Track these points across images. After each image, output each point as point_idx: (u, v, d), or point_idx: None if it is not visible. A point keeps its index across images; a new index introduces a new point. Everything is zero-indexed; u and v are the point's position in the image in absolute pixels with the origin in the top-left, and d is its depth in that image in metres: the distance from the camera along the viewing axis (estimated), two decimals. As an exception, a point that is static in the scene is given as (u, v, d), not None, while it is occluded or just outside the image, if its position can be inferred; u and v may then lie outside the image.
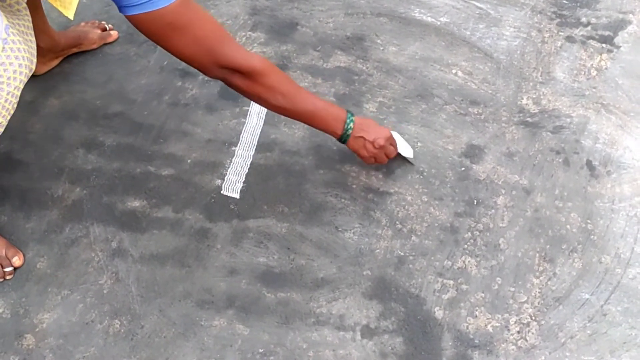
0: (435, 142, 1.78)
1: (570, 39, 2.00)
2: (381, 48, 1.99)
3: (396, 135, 1.70)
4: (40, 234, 1.65)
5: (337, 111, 1.55)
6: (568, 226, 1.63)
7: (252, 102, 1.86)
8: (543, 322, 1.49)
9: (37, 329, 1.51)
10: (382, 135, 1.60)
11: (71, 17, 1.67)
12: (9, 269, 1.57)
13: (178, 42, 1.34)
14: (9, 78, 1.32)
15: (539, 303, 1.52)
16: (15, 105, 1.38)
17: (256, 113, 1.85)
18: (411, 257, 1.59)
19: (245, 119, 1.84)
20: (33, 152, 1.79)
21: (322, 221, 1.65)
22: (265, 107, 1.52)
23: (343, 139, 1.57)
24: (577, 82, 1.90)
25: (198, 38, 1.34)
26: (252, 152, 1.78)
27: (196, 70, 1.93)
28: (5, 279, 1.57)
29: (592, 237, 1.61)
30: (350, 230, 1.63)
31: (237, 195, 1.69)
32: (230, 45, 1.39)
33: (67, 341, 1.49)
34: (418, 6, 2.09)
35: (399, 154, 1.70)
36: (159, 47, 1.99)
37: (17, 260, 1.58)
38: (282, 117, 1.82)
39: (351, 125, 1.55)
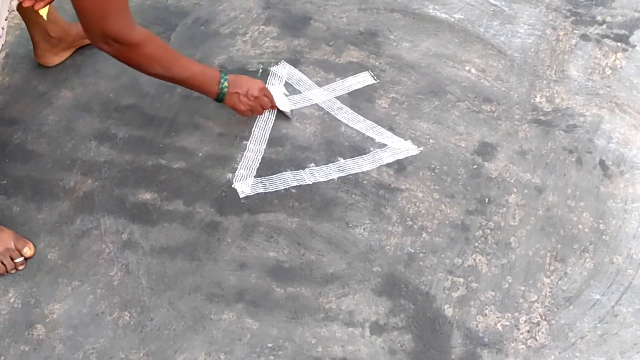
0: (448, 139, 1.77)
1: (585, 37, 1.99)
2: (394, 44, 1.99)
3: (275, 90, 1.82)
4: (52, 225, 1.65)
5: (212, 73, 1.66)
6: (580, 226, 1.62)
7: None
8: (553, 321, 1.48)
9: (48, 320, 1.51)
10: (255, 86, 1.70)
11: (44, 15, 1.68)
12: (20, 259, 1.58)
13: None
14: None
15: (549, 302, 1.51)
16: None
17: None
18: (421, 254, 1.59)
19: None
20: (46, 143, 1.79)
21: (332, 217, 1.65)
22: (145, 73, 1.61)
23: (219, 98, 1.67)
24: (591, 81, 1.89)
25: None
26: (264, 147, 1.77)
27: (209, 64, 1.95)
28: (17, 270, 1.58)
29: (604, 237, 1.60)
30: (361, 226, 1.63)
31: (248, 190, 1.69)
32: (123, 18, 1.47)
33: (77, 332, 1.50)
34: (432, 2, 2.08)
35: (278, 109, 1.81)
36: (171, 40, 2.01)
37: (27, 251, 1.59)
38: (294, 112, 1.83)
39: (225, 84, 1.66)
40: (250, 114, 1.74)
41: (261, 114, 1.77)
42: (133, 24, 1.49)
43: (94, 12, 1.42)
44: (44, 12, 1.67)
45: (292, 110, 1.82)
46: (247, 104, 1.70)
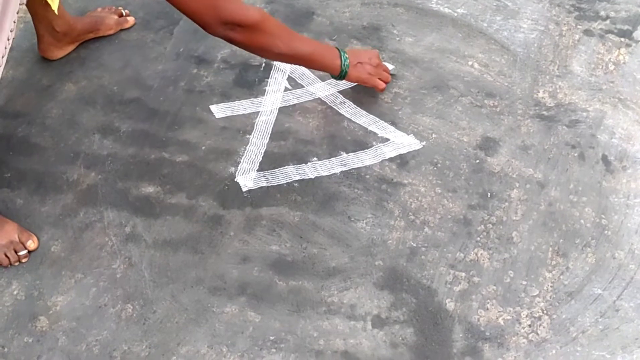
0: (450, 134, 1.78)
1: (588, 32, 1.98)
2: (397, 38, 1.99)
3: None
4: (55, 218, 1.66)
5: (331, 49, 1.63)
6: (582, 221, 1.62)
7: (266, 91, 1.87)
8: (555, 316, 1.49)
9: (51, 312, 1.52)
10: (372, 54, 1.72)
11: (55, 8, 1.69)
12: (24, 252, 1.58)
13: None
14: None
15: (551, 297, 1.51)
16: None
17: (270, 102, 1.85)
18: (423, 249, 1.59)
19: (260, 107, 1.84)
20: (50, 136, 1.80)
21: (335, 211, 1.65)
22: (267, 57, 1.58)
23: (343, 72, 1.64)
24: (594, 76, 1.88)
25: None
26: (267, 141, 1.78)
27: (212, 58, 1.96)
28: (20, 262, 1.58)
29: (606, 232, 1.60)
30: (363, 220, 1.63)
31: (251, 184, 1.69)
32: (231, 1, 1.43)
33: (80, 324, 1.51)
34: (435, -3, 2.09)
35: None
36: (174, 33, 2.02)
37: (31, 244, 1.60)
38: (297, 106, 1.83)
39: (346, 56, 1.64)
40: (380, 82, 1.72)
41: (388, 81, 1.76)
42: (244, 4, 1.46)
43: (202, 2, 1.39)
44: (55, 5, 1.67)
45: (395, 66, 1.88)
46: (374, 72, 1.69)
